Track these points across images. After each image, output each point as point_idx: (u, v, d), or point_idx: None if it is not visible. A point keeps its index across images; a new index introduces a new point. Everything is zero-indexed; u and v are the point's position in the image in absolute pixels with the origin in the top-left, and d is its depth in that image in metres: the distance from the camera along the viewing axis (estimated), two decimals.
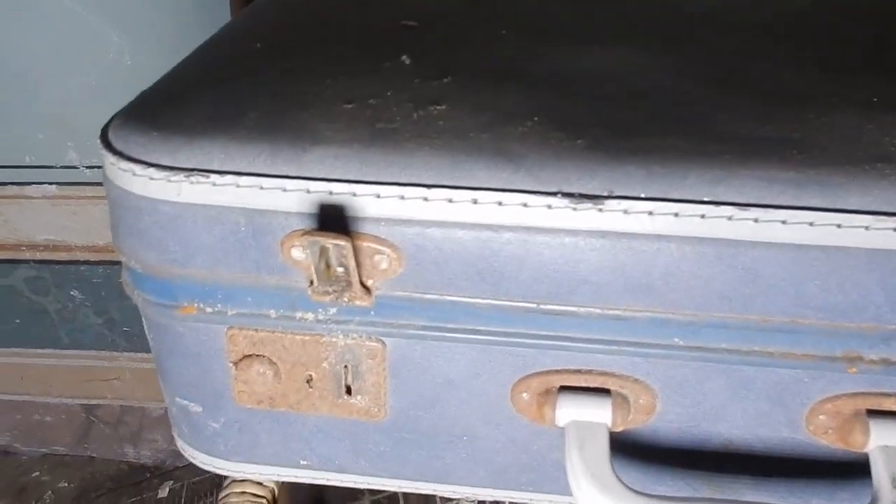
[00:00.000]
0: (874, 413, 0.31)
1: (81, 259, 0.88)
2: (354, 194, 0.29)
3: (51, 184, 0.86)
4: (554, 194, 0.28)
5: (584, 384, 0.32)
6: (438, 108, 0.32)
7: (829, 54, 0.38)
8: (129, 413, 1.04)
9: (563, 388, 0.32)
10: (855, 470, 0.32)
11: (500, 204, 0.28)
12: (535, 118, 0.31)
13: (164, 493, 0.98)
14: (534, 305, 0.30)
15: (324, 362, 0.33)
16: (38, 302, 0.94)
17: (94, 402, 1.03)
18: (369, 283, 0.30)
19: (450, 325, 0.31)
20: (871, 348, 0.30)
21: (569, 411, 0.32)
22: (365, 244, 0.29)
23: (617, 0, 0.45)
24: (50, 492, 1.01)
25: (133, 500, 1.00)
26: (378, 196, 0.29)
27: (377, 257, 0.29)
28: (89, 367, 0.98)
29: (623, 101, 0.33)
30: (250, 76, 0.35)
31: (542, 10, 0.43)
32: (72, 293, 0.91)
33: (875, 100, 0.33)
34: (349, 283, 0.30)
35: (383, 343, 0.32)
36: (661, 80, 0.35)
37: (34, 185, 0.86)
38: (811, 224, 0.27)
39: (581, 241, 0.28)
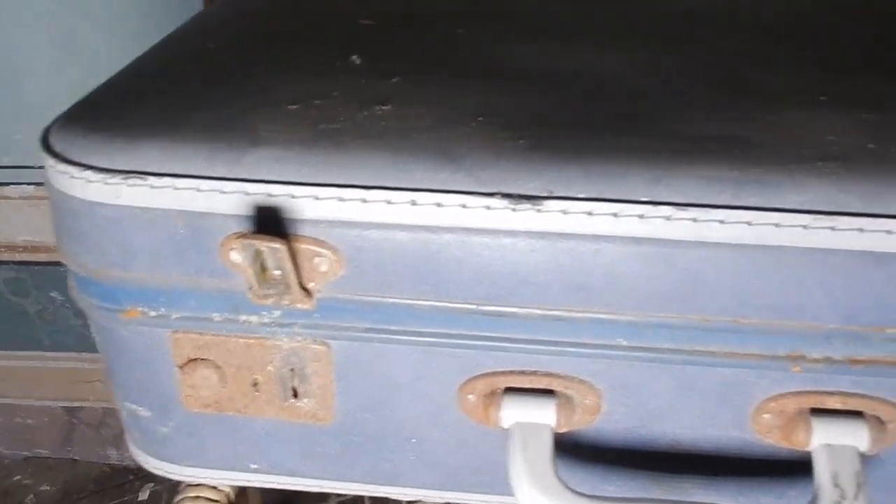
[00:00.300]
0: (817, 412, 0.31)
1: (61, 260, 0.87)
2: (293, 196, 0.28)
3: (29, 184, 0.85)
4: (493, 195, 0.27)
5: (529, 385, 0.31)
6: (384, 108, 0.31)
7: (787, 51, 0.37)
8: (111, 415, 1.03)
9: (509, 390, 0.32)
10: (800, 468, 0.31)
11: (438, 205, 0.28)
12: (480, 118, 0.30)
13: (144, 496, 0.97)
14: (475, 307, 0.29)
15: (269, 365, 0.32)
16: (18, 304, 0.92)
17: (76, 404, 1.02)
18: (310, 285, 0.30)
19: (393, 328, 0.31)
20: (813, 347, 0.29)
21: (513, 413, 0.31)
22: (304, 246, 0.29)
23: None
24: (32, 495, 1.00)
25: (116, 502, 0.99)
26: (317, 198, 0.28)
27: (317, 259, 0.29)
28: (71, 369, 0.97)
29: (572, 99, 0.32)
30: (198, 77, 0.35)
31: (502, 8, 0.43)
32: (52, 294, 0.90)
33: (823, 98, 0.32)
34: (288, 286, 0.29)
35: (328, 345, 0.32)
36: (615, 76, 0.34)
37: (12, 186, 0.85)
38: (749, 224, 0.27)
39: (520, 241, 0.28)
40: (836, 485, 0.29)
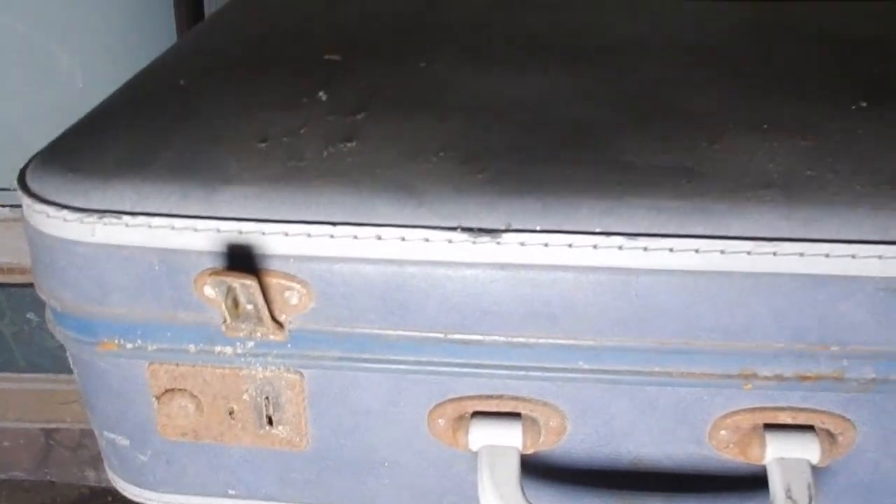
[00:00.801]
0: (770, 427, 0.32)
1: (39, 295, 0.86)
2: (263, 233, 0.29)
3: (4, 206, 0.85)
4: (454, 229, 0.29)
5: (496, 409, 0.32)
6: (349, 144, 0.32)
7: (729, 78, 0.39)
8: (88, 436, 1.02)
9: (477, 414, 0.32)
10: (757, 482, 0.33)
11: (403, 239, 0.29)
12: (441, 153, 0.31)
13: None
14: (442, 335, 0.30)
15: (244, 394, 0.33)
16: None
17: (52, 425, 1.01)
18: (282, 317, 0.30)
19: (364, 356, 0.32)
20: (764, 365, 0.31)
21: (481, 436, 0.32)
22: (275, 281, 0.30)
23: (540, 26, 0.46)
24: None
25: None
26: (286, 234, 0.29)
27: (287, 293, 0.30)
28: (47, 391, 0.97)
29: (530, 131, 0.33)
30: (169, 115, 0.36)
31: (465, 39, 0.44)
32: (28, 316, 0.90)
33: (764, 126, 0.34)
34: (260, 319, 0.30)
35: (301, 374, 0.32)
36: (573, 107, 0.36)
37: None
38: (696, 251, 0.28)
39: (482, 273, 0.29)
40: (790, 497, 0.30)
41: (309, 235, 0.29)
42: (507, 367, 0.31)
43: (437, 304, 0.30)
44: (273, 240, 0.29)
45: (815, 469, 0.32)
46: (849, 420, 0.32)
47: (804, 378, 0.31)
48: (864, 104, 0.35)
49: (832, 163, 0.30)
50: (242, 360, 0.32)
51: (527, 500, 0.31)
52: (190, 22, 0.73)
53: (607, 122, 0.34)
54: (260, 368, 0.32)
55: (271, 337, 0.31)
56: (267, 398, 0.33)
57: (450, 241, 0.29)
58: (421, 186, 0.30)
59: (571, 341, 0.30)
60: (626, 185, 0.29)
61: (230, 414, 0.34)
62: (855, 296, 0.29)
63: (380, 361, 0.32)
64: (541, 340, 0.30)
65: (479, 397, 0.32)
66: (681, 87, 0.38)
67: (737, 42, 0.44)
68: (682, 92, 0.37)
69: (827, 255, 0.28)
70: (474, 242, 0.28)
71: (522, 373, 0.32)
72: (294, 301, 0.30)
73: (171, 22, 0.74)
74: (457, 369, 0.32)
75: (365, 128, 0.34)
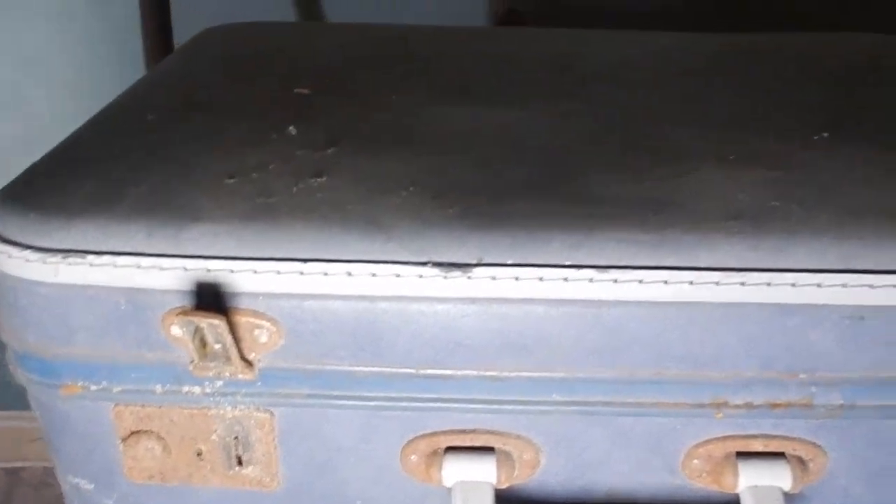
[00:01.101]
0: (743, 455, 0.32)
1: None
2: (232, 271, 0.29)
3: None
4: (424, 264, 0.28)
5: (469, 443, 0.32)
6: (319, 180, 0.32)
7: (696, 110, 0.39)
8: (52, 475, 0.99)
9: (450, 449, 0.32)
10: None
11: (373, 275, 0.28)
12: (411, 188, 0.31)
13: None
14: (414, 371, 0.30)
15: (213, 434, 0.32)
16: None
17: (16, 464, 0.98)
18: (251, 356, 0.30)
19: (335, 393, 0.31)
20: (735, 394, 0.31)
21: (455, 471, 0.32)
22: (244, 319, 0.29)
23: (511, 59, 0.46)
24: None
25: None
26: (255, 272, 0.29)
27: (257, 331, 0.29)
28: (10, 429, 0.94)
29: (501, 164, 0.33)
30: (136, 150, 0.35)
31: (436, 72, 0.44)
32: None
33: (731, 157, 0.34)
34: (229, 359, 0.29)
35: (271, 413, 0.32)
36: (543, 140, 0.36)
37: None
38: (666, 282, 0.28)
39: (453, 307, 0.29)
40: None
41: (278, 272, 0.29)
42: (479, 402, 0.31)
43: (409, 340, 0.29)
44: (242, 277, 0.29)
45: (787, 496, 0.32)
46: (819, 446, 0.32)
47: (774, 405, 0.31)
48: (826, 134, 0.36)
49: (797, 193, 0.31)
50: (211, 399, 0.31)
51: None
52: (159, 54, 0.72)
53: (578, 155, 0.34)
54: (229, 408, 0.32)
55: (240, 376, 0.30)
56: (236, 438, 0.32)
57: (420, 276, 0.28)
58: (391, 222, 0.29)
59: (544, 374, 0.30)
60: (596, 218, 0.29)
61: (198, 455, 0.33)
62: (822, 324, 0.29)
63: (351, 398, 0.31)
64: (513, 374, 0.30)
65: (452, 432, 0.32)
66: (650, 120, 0.38)
67: (706, 73, 0.45)
68: (652, 124, 0.38)
69: (793, 285, 0.28)
70: (445, 277, 0.28)
71: (495, 406, 0.31)
72: (263, 339, 0.29)
73: (140, 54, 0.73)
74: (429, 404, 0.31)
75: (335, 163, 0.33)
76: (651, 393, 0.31)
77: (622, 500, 0.33)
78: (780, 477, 0.32)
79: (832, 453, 0.32)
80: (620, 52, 0.48)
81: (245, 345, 0.30)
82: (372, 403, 0.31)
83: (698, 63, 0.47)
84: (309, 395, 0.31)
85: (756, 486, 0.31)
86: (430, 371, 0.30)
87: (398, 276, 0.28)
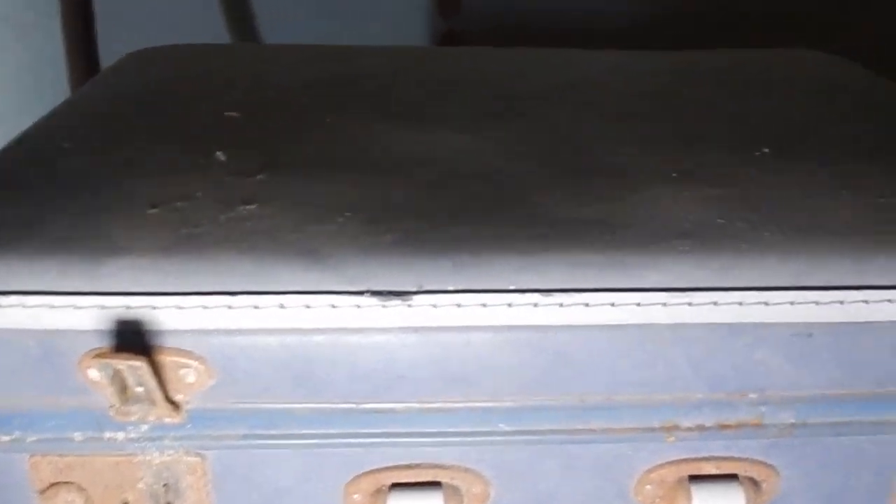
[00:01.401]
0: (696, 478, 0.31)
1: None
2: (154, 307, 0.27)
3: None
4: (362, 293, 0.27)
5: (415, 479, 0.30)
6: (248, 207, 0.30)
7: (637, 129, 0.39)
8: None
9: (395, 486, 0.30)
10: None
11: (307, 307, 0.27)
12: (347, 213, 0.30)
13: None
14: (354, 405, 0.28)
15: (139, 483, 0.30)
16: None
17: None
18: (178, 397, 0.28)
19: (272, 433, 0.29)
20: (685, 416, 0.30)
21: None
22: (169, 359, 0.27)
23: (454, 80, 0.45)
24: None
25: None
26: (179, 307, 0.27)
27: (183, 371, 0.27)
28: None
29: (440, 188, 0.32)
30: (49, 181, 0.33)
31: (375, 94, 0.43)
32: None
33: (674, 174, 0.34)
34: (153, 402, 0.27)
35: (203, 456, 0.30)
36: (485, 163, 0.35)
37: None
38: (613, 304, 0.27)
39: (393, 337, 0.27)
40: None
41: (205, 307, 0.27)
42: (424, 435, 0.29)
43: (348, 374, 0.28)
44: (165, 314, 0.27)
45: None
46: (772, 466, 0.31)
47: (725, 427, 0.30)
48: (766, 150, 0.35)
49: (741, 211, 0.30)
50: (136, 445, 0.29)
51: None
52: (84, 77, 0.69)
53: (520, 177, 0.33)
54: (156, 453, 0.29)
55: (166, 420, 0.28)
56: (165, 485, 0.30)
57: (358, 307, 0.27)
58: (325, 250, 0.28)
59: (490, 403, 0.29)
60: (541, 240, 0.28)
61: None
62: (770, 342, 0.28)
63: (289, 437, 0.29)
64: (458, 405, 0.29)
65: (397, 468, 0.30)
66: (594, 141, 0.37)
67: (649, 92, 0.44)
68: (597, 145, 0.37)
69: (740, 303, 0.27)
70: (384, 306, 0.27)
71: (440, 439, 0.30)
72: (191, 379, 0.27)
73: (64, 77, 0.70)
74: (372, 440, 0.29)
75: (266, 189, 0.32)
76: (601, 419, 0.30)
77: None
78: (733, 499, 0.31)
79: (785, 472, 0.31)
80: (563, 71, 0.47)
81: (171, 386, 0.27)
82: (311, 441, 0.29)
83: (641, 81, 0.46)
84: (243, 436, 0.29)
85: None
86: (370, 405, 0.28)
87: (334, 306, 0.27)
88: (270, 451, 0.30)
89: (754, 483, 0.31)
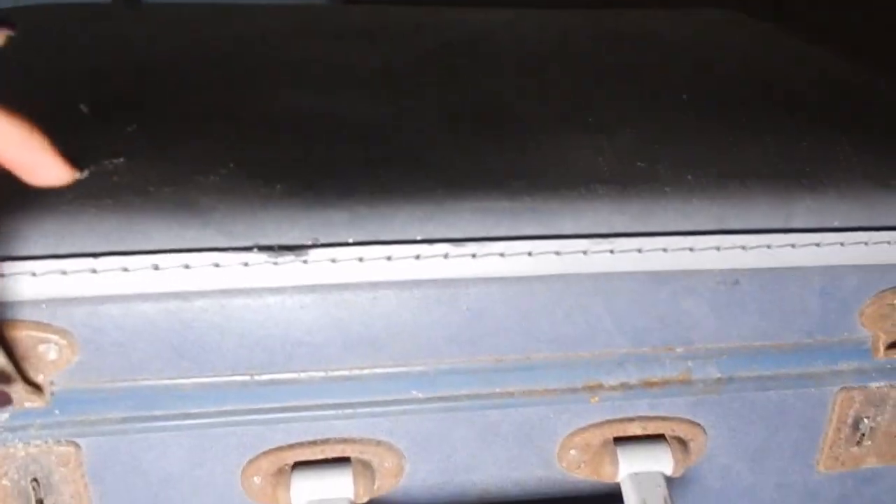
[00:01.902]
0: (621, 440, 0.29)
1: None
2: (2, 274, 0.22)
3: None
4: (249, 249, 0.23)
5: (321, 456, 0.27)
6: (116, 161, 0.26)
7: (546, 80, 0.36)
8: None
9: (299, 464, 0.27)
10: (614, 501, 0.29)
11: (186, 267, 0.23)
12: (231, 165, 0.26)
13: None
14: (247, 378, 0.25)
15: (3, 479, 0.26)
16: None
17: None
18: (39, 378, 0.24)
19: (155, 413, 0.26)
20: (609, 375, 0.28)
21: (305, 490, 0.27)
22: (24, 333, 0.23)
23: (350, 37, 0.41)
24: None
25: None
26: (34, 274, 0.23)
27: (42, 347, 0.23)
28: None
29: (332, 141, 0.29)
30: None
31: (270, 51, 0.39)
32: None
33: (590, 120, 0.31)
34: (8, 382, 0.23)
35: (76, 445, 0.26)
36: (386, 116, 0.31)
37: None
38: (530, 254, 0.24)
39: (288, 298, 0.24)
40: None
41: (64, 272, 0.23)
42: (329, 407, 0.26)
43: (237, 342, 0.24)
44: (17, 282, 0.23)
45: (669, 480, 0.29)
46: (698, 424, 0.29)
47: (650, 384, 0.28)
48: (685, 96, 0.33)
49: (662, 156, 0.28)
50: None
51: None
52: None
53: (423, 129, 0.30)
54: (20, 445, 0.25)
55: (27, 404, 0.24)
56: (34, 480, 0.26)
57: (245, 265, 0.23)
58: (206, 203, 0.24)
59: (400, 368, 0.26)
60: (450, 188, 0.25)
61: None
62: (695, 291, 0.26)
63: (174, 418, 0.26)
64: (365, 371, 0.26)
65: (300, 445, 0.27)
66: (496, 91, 0.34)
67: (561, 46, 0.42)
68: (498, 95, 0.34)
69: (665, 250, 0.25)
70: (276, 263, 0.23)
71: (348, 411, 0.27)
72: (52, 356, 0.23)
73: None
74: (270, 416, 0.26)
75: (137, 142, 0.27)
76: (520, 381, 0.27)
77: (498, 502, 0.29)
78: (660, 461, 0.29)
79: (711, 431, 0.30)
80: (464, 27, 0.45)
81: (30, 364, 0.23)
82: (200, 422, 0.26)
83: (553, 36, 0.44)
84: (122, 420, 0.25)
85: (637, 474, 0.28)
86: (266, 377, 0.25)
87: (217, 265, 0.23)
88: (154, 434, 0.26)
89: (682, 443, 0.29)
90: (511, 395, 0.27)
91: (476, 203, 0.25)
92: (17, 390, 0.23)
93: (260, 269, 0.23)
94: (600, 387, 0.28)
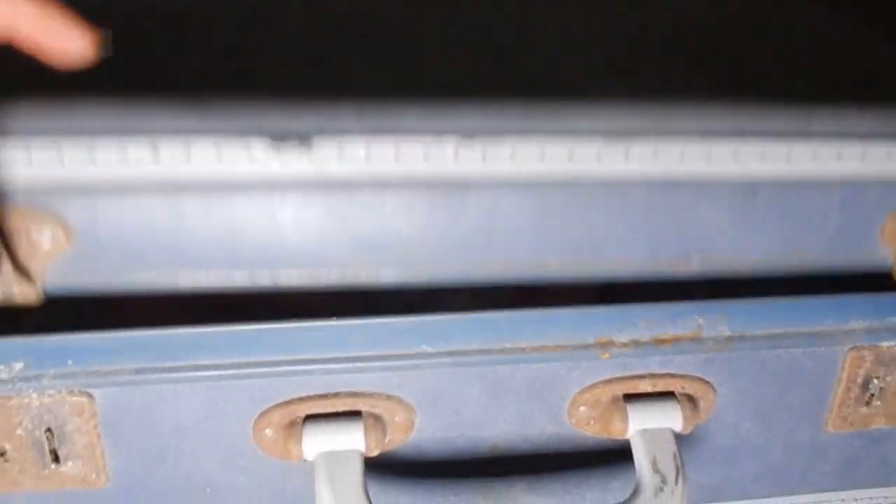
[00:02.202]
0: (631, 398, 0.28)
1: None
2: None
3: None
4: (252, 135, 0.22)
5: (332, 409, 0.27)
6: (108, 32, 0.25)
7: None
8: None
9: (310, 417, 0.27)
10: (622, 456, 0.29)
11: (186, 153, 0.22)
12: (237, 57, 0.25)
13: None
14: (248, 273, 0.24)
15: (18, 429, 0.26)
16: None
17: None
18: (31, 266, 0.23)
19: (168, 365, 0.25)
20: (620, 331, 0.27)
21: (316, 443, 0.27)
22: (18, 219, 0.22)
23: None
24: None
25: None
26: (29, 159, 0.22)
27: (35, 235, 0.22)
28: None
29: (338, 40, 0.27)
30: None
31: None
32: None
33: (601, 20, 0.29)
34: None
35: (90, 396, 0.26)
36: (392, 10, 0.29)
37: None
38: (542, 154, 0.23)
39: (292, 193, 0.23)
40: (657, 471, 0.27)
41: (61, 159, 0.21)
42: (340, 360, 0.26)
43: (239, 237, 0.23)
44: (13, 166, 0.22)
45: (678, 437, 0.28)
46: (708, 382, 0.29)
47: (661, 341, 0.28)
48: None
49: (680, 55, 0.26)
50: (10, 386, 0.25)
51: None
52: None
53: (439, 28, 0.29)
54: (34, 394, 0.25)
55: (15, 289, 0.23)
56: (49, 430, 0.26)
57: (248, 150, 0.22)
58: (209, 91, 0.23)
59: (403, 272, 0.25)
60: (458, 83, 0.24)
61: (2, 456, 0.26)
62: (713, 200, 0.25)
63: (187, 369, 0.26)
64: (365, 272, 0.24)
65: (311, 398, 0.27)
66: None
67: None
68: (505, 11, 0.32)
69: (681, 155, 0.24)
70: (279, 150, 0.22)
71: (359, 364, 0.26)
72: (46, 245, 0.22)
73: None
74: (281, 368, 0.26)
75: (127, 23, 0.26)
76: (532, 336, 0.27)
77: (507, 456, 0.29)
78: (670, 418, 0.28)
79: (721, 389, 0.29)
80: None
81: (22, 252, 0.23)
82: (213, 373, 0.26)
83: None
84: (135, 371, 0.25)
85: (646, 430, 0.28)
86: (266, 272, 0.24)
87: (218, 151, 0.22)
88: (167, 386, 0.26)
89: (691, 401, 0.29)
90: (522, 350, 0.27)
91: (488, 98, 0.24)
92: (6, 272, 0.22)
93: (263, 157, 0.22)
94: (612, 343, 0.28)
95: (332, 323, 0.25)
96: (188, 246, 0.23)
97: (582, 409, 0.29)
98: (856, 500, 0.33)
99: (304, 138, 0.22)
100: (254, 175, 0.22)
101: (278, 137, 0.22)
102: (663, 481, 0.26)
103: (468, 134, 0.23)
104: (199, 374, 0.26)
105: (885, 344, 0.29)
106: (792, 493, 0.32)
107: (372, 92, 0.23)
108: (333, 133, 0.22)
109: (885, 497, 0.33)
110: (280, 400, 0.27)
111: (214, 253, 0.23)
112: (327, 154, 0.22)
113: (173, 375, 0.26)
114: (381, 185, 0.23)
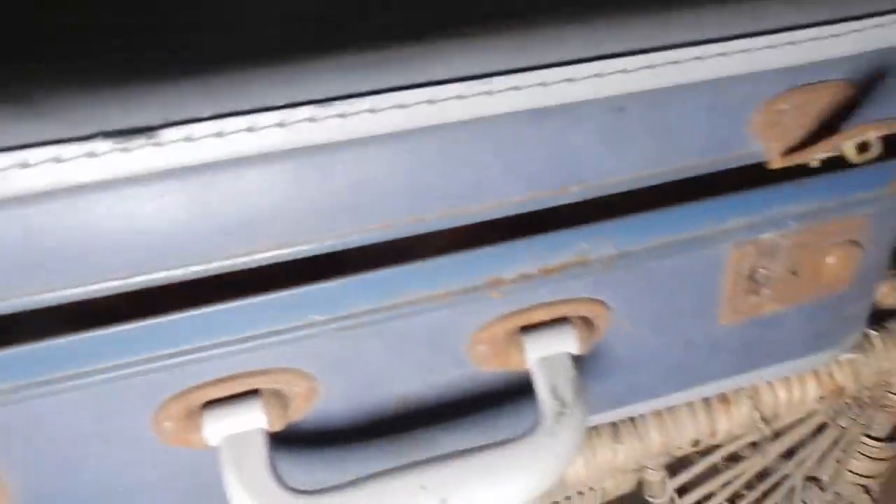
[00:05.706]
0: (528, 329, 0.25)
1: None
2: None
3: None
4: (94, 137, 0.17)
5: (230, 392, 0.22)
6: None
7: None
8: None
9: (209, 403, 0.22)
10: (528, 388, 0.25)
11: (23, 166, 0.17)
12: (63, 50, 0.20)
13: None
14: (120, 283, 0.19)
15: None
16: None
17: None
18: None
19: (49, 377, 0.21)
20: (506, 267, 0.24)
21: (218, 428, 0.22)
22: None
23: None
24: None
25: None
26: None
27: None
28: None
29: (177, 8, 0.22)
30: None
31: None
32: None
33: None
34: None
35: None
36: None
37: None
38: (402, 106, 0.19)
39: (146, 188, 0.18)
40: (556, 396, 0.23)
41: None
42: (229, 343, 0.22)
43: (99, 244, 0.19)
44: None
45: (579, 359, 0.25)
46: (600, 301, 0.25)
47: (549, 271, 0.24)
48: None
49: None
50: None
51: (281, 484, 0.21)
52: None
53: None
54: None
55: None
56: None
57: (91, 155, 0.18)
58: (40, 92, 0.18)
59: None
60: (310, 46, 0.20)
61: None
62: (581, 124, 0.22)
63: (71, 378, 0.21)
64: (240, 258, 0.20)
65: (206, 385, 0.22)
66: None
67: None
68: None
69: (543, 84, 0.20)
70: (125, 150, 0.18)
71: (249, 343, 0.22)
72: None
73: None
74: (170, 361, 0.22)
75: None
76: (420, 286, 0.23)
77: (416, 407, 0.25)
78: (565, 341, 0.25)
79: (614, 305, 0.26)
80: None
81: None
82: (99, 378, 0.21)
83: None
84: (14, 389, 0.20)
85: (544, 358, 0.24)
86: (140, 279, 0.20)
87: (59, 159, 0.18)
88: (51, 398, 0.21)
89: (586, 322, 0.25)
90: (413, 303, 0.23)
91: (337, 58, 0.19)
92: None
93: (108, 159, 0.18)
94: (500, 281, 0.24)
95: (215, 308, 0.21)
96: (46, 261, 0.19)
97: (480, 348, 0.25)
98: (760, 377, 0.29)
99: (149, 132, 0.17)
100: (101, 176, 0.18)
101: (121, 135, 0.17)
102: (563, 406, 0.23)
103: (324, 96, 0.18)
104: (84, 381, 0.21)
105: (765, 235, 0.26)
106: (699, 384, 0.29)
107: (217, 68, 0.19)
108: (180, 120, 0.18)
109: (785, 371, 0.30)
110: (175, 391, 0.22)
111: (77, 265, 0.19)
112: (177, 142, 0.18)
113: (56, 387, 0.21)
114: (238, 162, 0.19)
